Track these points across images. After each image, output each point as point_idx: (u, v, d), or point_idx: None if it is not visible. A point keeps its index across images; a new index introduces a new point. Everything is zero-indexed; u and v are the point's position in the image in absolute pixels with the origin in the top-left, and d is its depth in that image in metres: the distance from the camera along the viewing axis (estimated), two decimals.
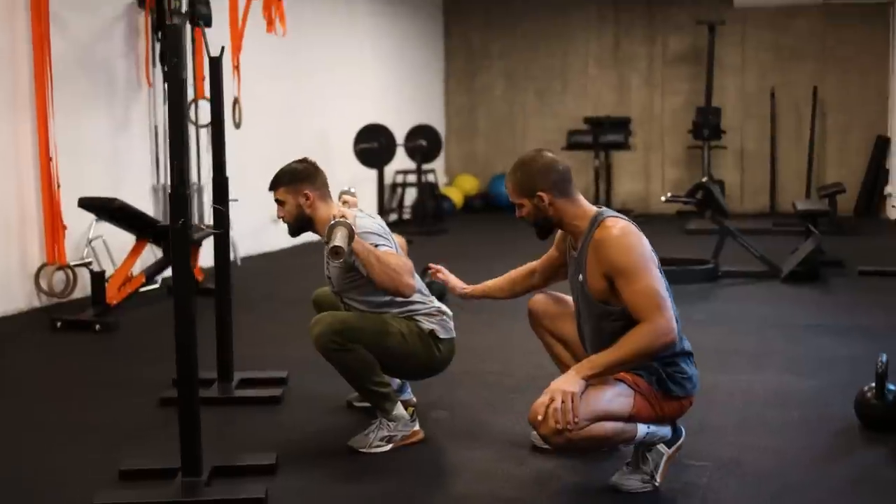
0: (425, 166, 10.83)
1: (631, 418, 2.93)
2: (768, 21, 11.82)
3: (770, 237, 9.17)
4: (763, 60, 11.94)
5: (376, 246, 3.37)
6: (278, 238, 9.03)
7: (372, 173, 9.90)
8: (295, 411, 4.00)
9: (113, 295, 5.82)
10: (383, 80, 11.34)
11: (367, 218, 3.54)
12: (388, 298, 3.51)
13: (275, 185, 3.65)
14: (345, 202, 3.90)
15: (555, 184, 3.07)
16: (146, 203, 7.18)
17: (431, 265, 3.77)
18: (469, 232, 10.58)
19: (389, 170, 10.84)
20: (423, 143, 10.44)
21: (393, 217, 11.25)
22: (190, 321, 3.00)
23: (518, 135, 12.70)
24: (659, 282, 2.93)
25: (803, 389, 4.23)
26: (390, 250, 3.42)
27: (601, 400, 2.87)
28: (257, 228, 8.67)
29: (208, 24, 6.35)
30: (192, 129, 7.63)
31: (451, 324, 3.67)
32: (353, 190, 4.24)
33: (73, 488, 3.13)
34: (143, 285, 6.14)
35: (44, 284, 6.20)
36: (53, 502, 3.04)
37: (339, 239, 3.13)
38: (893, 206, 10.56)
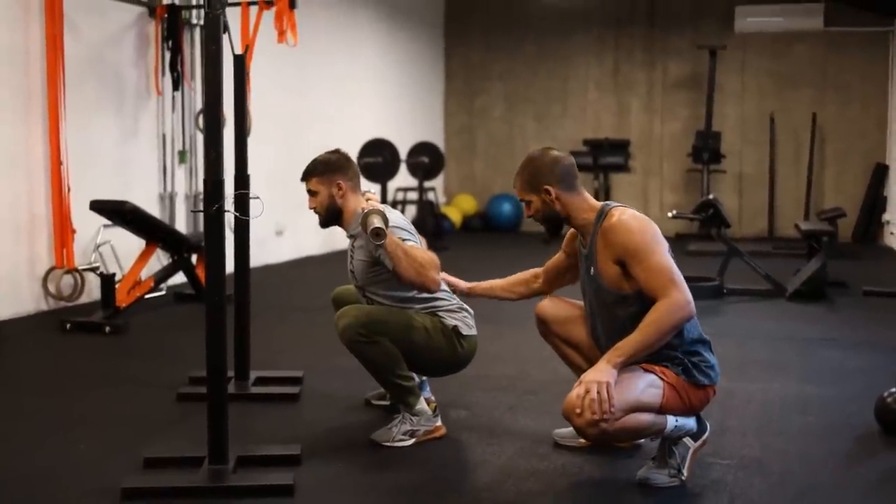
0: (426, 184, 10.86)
1: (661, 409, 2.95)
2: (769, 47, 11.94)
3: (770, 259, 9.19)
4: (763, 86, 12.05)
5: (403, 241, 3.38)
6: (281, 250, 9.05)
7: (375, 188, 9.92)
8: (314, 408, 3.99)
9: (122, 298, 5.80)
10: (385, 97, 11.39)
11: (392, 213, 3.56)
12: (411, 294, 3.53)
13: (308, 175, 3.67)
14: (368, 199, 3.91)
15: (561, 178, 3.13)
16: (153, 211, 7.18)
17: None
18: (469, 250, 10.58)
19: (391, 186, 10.86)
20: (425, 159, 10.47)
21: None
22: (220, 308, 3.01)
23: (517, 156, 12.62)
24: (669, 259, 2.97)
25: (819, 396, 4.24)
26: (416, 245, 3.43)
27: (634, 391, 2.89)
28: (261, 240, 8.67)
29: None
30: (199, 137, 7.68)
31: (473, 321, 3.68)
32: (372, 191, 4.25)
33: (100, 475, 3.12)
34: (150, 291, 6.12)
35: (52, 288, 6.18)
36: (82, 489, 3.02)
37: (378, 221, 3.15)
38: (892, 234, 10.62)
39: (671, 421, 3.01)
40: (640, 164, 12.52)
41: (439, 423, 3.55)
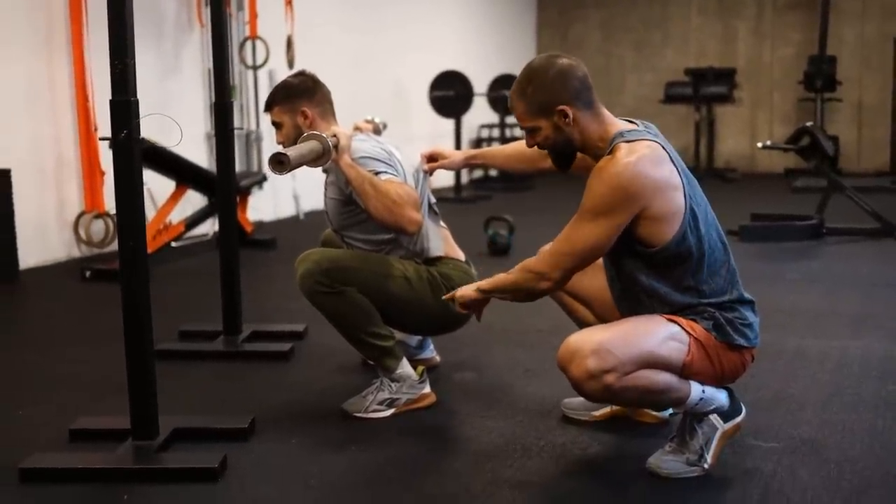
0: (511, 119, 10.18)
1: (684, 369, 2.32)
2: None
3: (888, 196, 8.25)
4: (886, 4, 10.82)
5: (376, 174, 2.81)
6: None
7: (452, 126, 9.32)
8: (302, 369, 3.50)
9: (147, 243, 5.40)
10: (467, 28, 10.73)
11: (368, 141, 2.98)
12: (392, 236, 2.96)
13: (269, 105, 3.15)
14: (357, 128, 3.35)
15: (577, 93, 2.38)
16: (199, 151, 6.79)
17: (422, 154, 3.17)
18: (555, 189, 9.84)
19: (473, 123, 10.26)
20: (506, 93, 9.76)
21: (478, 173, 10.75)
22: (139, 245, 2.57)
23: (614, 89, 11.91)
24: (588, 238, 2.32)
25: None
26: (394, 179, 2.85)
27: (650, 339, 2.29)
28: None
29: None
30: (248, 73, 7.24)
31: (473, 270, 3.09)
32: (377, 119, 3.67)
33: (16, 448, 2.64)
34: (180, 236, 5.73)
35: (82, 233, 5.86)
36: None
37: (293, 149, 2.56)
38: None
39: (696, 389, 2.37)
40: (747, 95, 11.51)
41: (427, 389, 2.98)
